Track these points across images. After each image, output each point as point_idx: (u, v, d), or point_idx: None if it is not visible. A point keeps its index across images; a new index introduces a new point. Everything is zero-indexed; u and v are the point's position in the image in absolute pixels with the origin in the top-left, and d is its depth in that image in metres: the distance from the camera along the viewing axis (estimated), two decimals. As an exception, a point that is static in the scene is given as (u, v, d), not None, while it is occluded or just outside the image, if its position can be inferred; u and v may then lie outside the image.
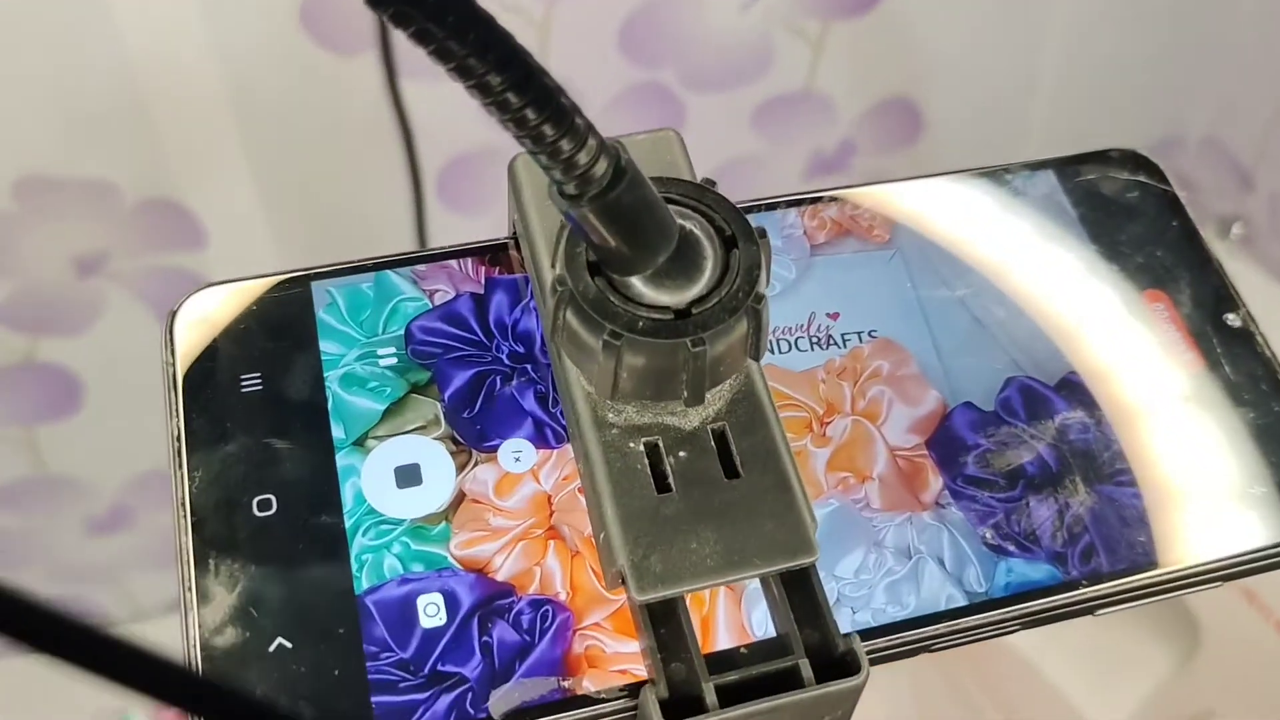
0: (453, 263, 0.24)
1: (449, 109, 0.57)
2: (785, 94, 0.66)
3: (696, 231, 0.19)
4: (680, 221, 0.19)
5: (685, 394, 0.19)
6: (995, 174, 0.26)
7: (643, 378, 0.19)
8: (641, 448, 0.20)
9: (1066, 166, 0.26)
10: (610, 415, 0.20)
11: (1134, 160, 0.27)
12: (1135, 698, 0.69)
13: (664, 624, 0.19)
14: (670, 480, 0.19)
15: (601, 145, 0.17)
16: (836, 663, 0.19)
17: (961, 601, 0.21)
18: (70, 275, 0.61)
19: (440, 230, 0.64)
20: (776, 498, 0.19)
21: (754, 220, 0.20)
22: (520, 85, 0.15)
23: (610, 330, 0.18)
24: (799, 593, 0.19)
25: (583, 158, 0.16)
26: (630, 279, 0.19)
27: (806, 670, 0.19)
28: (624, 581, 0.19)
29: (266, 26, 0.55)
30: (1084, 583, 0.21)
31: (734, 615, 0.21)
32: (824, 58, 0.65)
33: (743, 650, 0.20)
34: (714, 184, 0.20)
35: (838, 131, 0.70)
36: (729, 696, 0.18)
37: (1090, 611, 0.22)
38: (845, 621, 0.21)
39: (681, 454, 0.20)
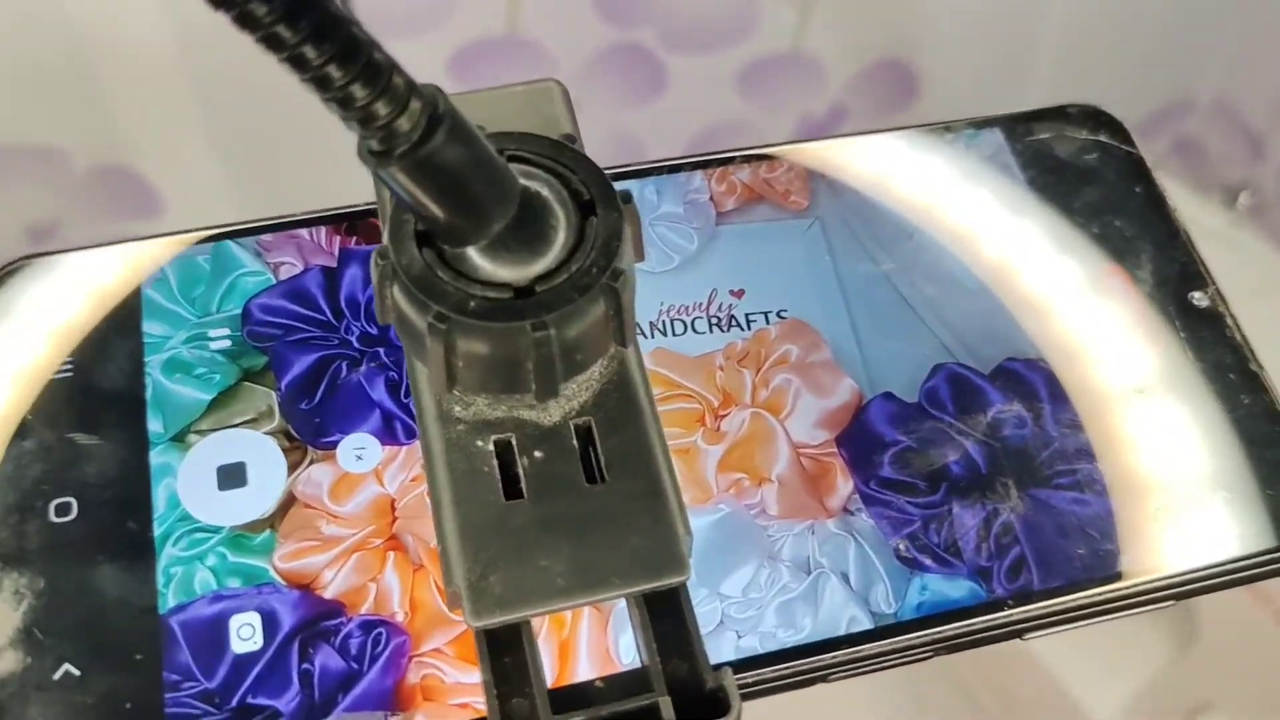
0: (303, 232, 0.21)
1: (414, 67, 0.55)
2: (772, 55, 0.64)
3: (545, 194, 0.16)
4: (525, 183, 0.16)
5: (533, 386, 0.16)
6: (933, 132, 0.23)
7: (484, 367, 0.16)
8: (491, 446, 0.17)
9: (1016, 124, 0.23)
10: (457, 408, 0.17)
11: (1095, 117, 0.24)
12: (1132, 687, 0.66)
13: (507, 653, 0.16)
14: (522, 485, 0.17)
15: (412, 91, 0.14)
16: (705, 700, 0.16)
17: (866, 625, 0.18)
18: (24, 246, 0.59)
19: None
20: (644, 506, 0.16)
21: (649, 185, 0.17)
22: (292, 15, 0.12)
23: (435, 312, 0.16)
24: (665, 618, 0.17)
25: (382, 107, 0.14)
26: (465, 251, 0.16)
27: (667, 710, 0.16)
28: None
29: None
30: (1009, 603, 0.19)
31: (599, 640, 0.18)
32: (813, 16, 0.62)
33: (598, 684, 0.17)
34: (574, 139, 0.17)
35: (828, 95, 0.67)
36: (573, 740, 0.16)
37: (1018, 635, 0.19)
38: (729, 648, 0.18)
39: (537, 454, 0.17)
